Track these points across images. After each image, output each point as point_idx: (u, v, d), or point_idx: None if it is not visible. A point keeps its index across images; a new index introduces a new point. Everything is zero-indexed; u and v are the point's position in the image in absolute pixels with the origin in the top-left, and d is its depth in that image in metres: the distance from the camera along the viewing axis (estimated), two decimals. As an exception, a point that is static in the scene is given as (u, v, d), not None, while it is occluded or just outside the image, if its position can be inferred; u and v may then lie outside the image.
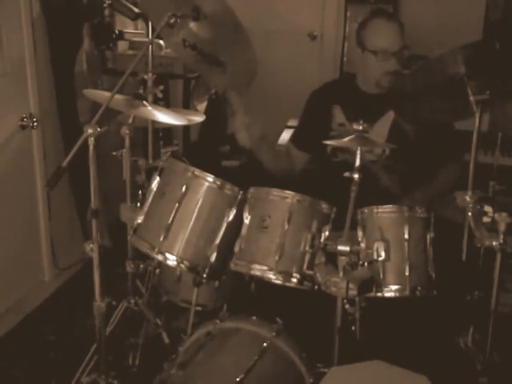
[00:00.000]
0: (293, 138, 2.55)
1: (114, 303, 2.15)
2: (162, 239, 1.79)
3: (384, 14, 2.33)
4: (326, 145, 2.27)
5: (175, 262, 1.81)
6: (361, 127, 1.74)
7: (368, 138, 1.76)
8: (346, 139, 1.77)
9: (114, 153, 2.09)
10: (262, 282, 1.87)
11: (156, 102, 2.27)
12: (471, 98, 1.74)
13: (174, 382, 1.65)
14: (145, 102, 2.03)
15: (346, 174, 1.66)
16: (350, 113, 2.34)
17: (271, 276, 1.74)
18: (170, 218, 1.80)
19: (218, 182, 1.81)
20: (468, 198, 1.72)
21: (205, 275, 1.82)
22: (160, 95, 2.41)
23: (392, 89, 2.27)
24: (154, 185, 1.89)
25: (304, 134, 2.51)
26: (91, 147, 1.65)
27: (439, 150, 2.32)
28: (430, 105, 1.94)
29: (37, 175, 2.84)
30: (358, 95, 2.37)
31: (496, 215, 1.65)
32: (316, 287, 1.73)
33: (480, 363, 1.87)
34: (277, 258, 1.72)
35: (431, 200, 2.20)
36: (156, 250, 1.80)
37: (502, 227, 1.64)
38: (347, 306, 1.70)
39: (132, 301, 2.29)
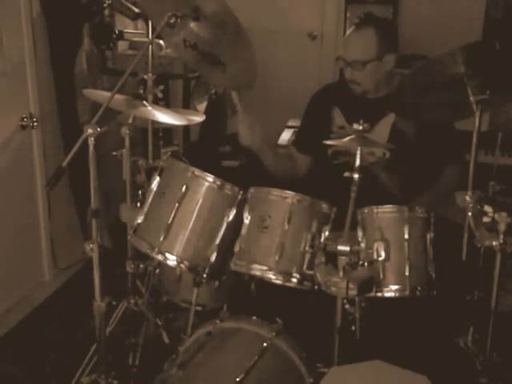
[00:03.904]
0: (295, 141, 2.55)
1: (114, 303, 2.16)
2: (161, 239, 1.79)
3: (359, 23, 2.30)
4: (327, 147, 2.27)
5: (175, 262, 1.81)
6: (361, 127, 1.74)
7: (368, 139, 1.76)
8: (346, 139, 1.77)
9: (114, 153, 2.09)
10: (262, 282, 1.87)
11: (156, 102, 2.27)
12: (471, 98, 1.74)
13: (173, 382, 1.65)
14: (145, 102, 2.03)
15: (346, 174, 1.66)
16: (350, 115, 2.33)
17: (271, 276, 1.74)
18: (170, 218, 1.80)
19: (218, 182, 1.81)
20: (468, 198, 1.72)
21: (205, 275, 1.82)
22: (160, 95, 2.40)
23: (391, 93, 2.28)
24: (154, 185, 1.89)
25: (305, 137, 2.51)
26: (91, 147, 1.65)
27: (440, 151, 2.31)
28: (430, 105, 1.94)
29: (37, 175, 2.84)
30: (358, 98, 2.37)
31: (496, 215, 1.65)
32: (316, 287, 1.73)
33: (480, 363, 1.87)
34: (277, 257, 1.72)
35: (435, 203, 2.20)
36: (156, 249, 1.80)
37: (502, 227, 1.64)
38: (347, 306, 1.70)
39: (132, 301, 2.29)
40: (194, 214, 1.81)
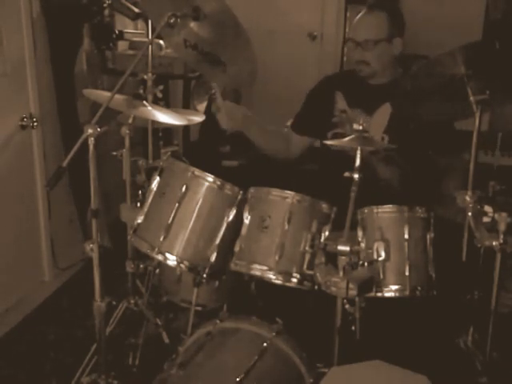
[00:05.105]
0: (292, 122, 2.56)
1: (114, 303, 2.16)
2: (161, 239, 1.79)
3: (371, 5, 2.35)
4: (327, 131, 2.33)
5: (175, 262, 1.81)
6: (360, 127, 1.74)
7: (368, 139, 1.76)
8: (347, 139, 1.77)
9: (114, 153, 2.09)
10: (262, 282, 1.87)
11: (156, 102, 2.27)
12: (471, 98, 1.74)
13: (173, 382, 1.65)
14: (145, 102, 2.03)
15: (346, 174, 1.66)
16: (352, 100, 2.37)
17: (271, 276, 1.74)
18: (170, 218, 1.79)
19: (218, 182, 1.81)
20: (468, 198, 1.72)
21: (205, 275, 1.82)
22: (160, 95, 2.40)
23: (393, 80, 2.29)
24: (154, 185, 1.89)
25: (304, 119, 2.54)
26: (91, 147, 1.65)
27: (438, 146, 2.32)
28: (430, 105, 1.94)
29: (37, 175, 2.84)
30: (361, 84, 2.39)
31: (496, 215, 1.65)
32: (316, 287, 1.73)
33: (480, 363, 1.87)
34: (277, 257, 1.72)
35: None
36: (156, 249, 1.80)
37: (502, 227, 1.64)
38: (347, 306, 1.70)
39: (132, 301, 2.29)
40: (194, 214, 1.81)
